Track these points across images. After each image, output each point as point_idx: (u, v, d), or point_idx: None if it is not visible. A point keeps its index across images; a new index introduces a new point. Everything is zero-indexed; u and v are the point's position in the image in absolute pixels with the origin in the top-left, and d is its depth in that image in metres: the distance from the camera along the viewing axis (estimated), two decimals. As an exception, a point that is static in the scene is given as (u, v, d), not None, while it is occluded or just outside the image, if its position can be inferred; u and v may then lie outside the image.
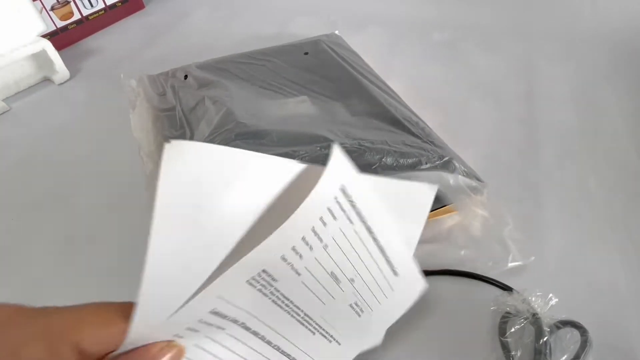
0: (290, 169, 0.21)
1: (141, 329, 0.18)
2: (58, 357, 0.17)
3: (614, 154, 0.53)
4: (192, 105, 0.51)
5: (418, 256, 0.39)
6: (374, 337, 0.30)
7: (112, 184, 0.51)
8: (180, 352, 0.20)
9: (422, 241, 0.40)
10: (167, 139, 0.27)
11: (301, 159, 0.42)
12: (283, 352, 0.25)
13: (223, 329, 0.22)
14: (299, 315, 0.24)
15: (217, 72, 0.58)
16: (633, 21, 0.79)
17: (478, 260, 0.39)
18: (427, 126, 0.49)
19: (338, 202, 0.22)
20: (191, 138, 0.46)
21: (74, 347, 0.17)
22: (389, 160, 0.43)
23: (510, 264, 0.39)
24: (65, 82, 0.69)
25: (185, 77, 0.58)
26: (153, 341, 0.19)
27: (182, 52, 0.74)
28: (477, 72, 0.69)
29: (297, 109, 0.50)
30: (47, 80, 0.69)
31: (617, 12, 0.81)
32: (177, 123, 0.50)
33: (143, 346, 0.19)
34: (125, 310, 0.18)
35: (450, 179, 0.41)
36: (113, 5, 0.83)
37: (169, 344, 0.20)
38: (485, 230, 0.41)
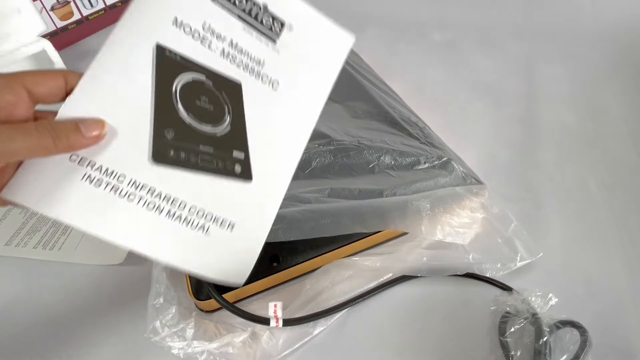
0: None
1: (81, 96, 0.25)
2: (13, 92, 0.23)
3: (614, 154, 0.53)
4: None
5: (425, 263, 0.39)
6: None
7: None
8: (102, 135, 0.25)
9: (429, 247, 0.40)
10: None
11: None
12: None
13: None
14: None
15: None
16: (633, 21, 0.79)
17: (486, 263, 0.39)
18: (427, 126, 0.49)
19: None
20: None
21: (24, 87, 0.24)
22: (387, 158, 0.43)
23: (520, 263, 0.39)
24: (65, 82, 0.69)
25: None
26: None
27: (182, 52, 0.74)
28: (477, 72, 0.68)
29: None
30: (47, 80, 0.69)
31: (617, 12, 0.81)
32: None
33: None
34: (70, 76, 0.25)
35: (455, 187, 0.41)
36: (113, 5, 0.83)
37: (100, 120, 0.25)
38: (490, 232, 0.41)
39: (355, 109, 0.51)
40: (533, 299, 0.35)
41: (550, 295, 0.35)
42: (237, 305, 0.35)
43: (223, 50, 0.30)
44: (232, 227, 0.29)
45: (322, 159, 0.42)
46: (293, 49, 0.32)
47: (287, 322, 0.35)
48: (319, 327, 0.36)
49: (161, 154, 0.27)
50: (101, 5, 0.81)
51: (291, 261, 0.38)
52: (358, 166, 0.43)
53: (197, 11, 0.29)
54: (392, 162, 0.43)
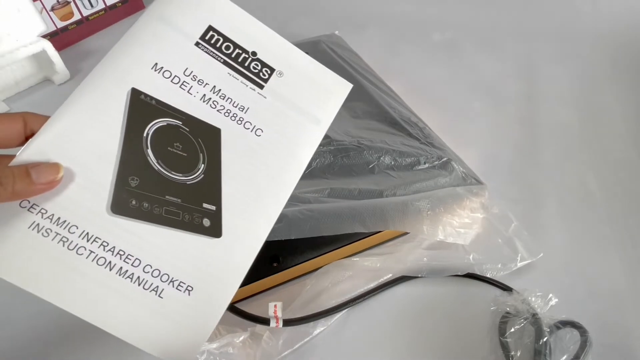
0: None
1: (43, 139, 0.24)
2: None
3: (614, 154, 0.53)
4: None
5: (426, 263, 0.39)
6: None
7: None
8: (56, 181, 0.23)
9: (429, 247, 0.40)
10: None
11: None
12: None
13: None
14: None
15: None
16: (633, 21, 0.79)
17: (486, 263, 0.39)
18: (427, 126, 0.49)
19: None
20: None
21: None
22: (387, 159, 0.43)
23: (520, 263, 0.39)
24: (65, 82, 0.69)
25: None
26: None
27: (182, 52, 0.74)
28: (477, 72, 0.68)
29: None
30: (47, 80, 0.69)
31: (617, 12, 0.81)
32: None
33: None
34: (30, 119, 0.25)
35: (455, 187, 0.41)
36: (113, 6, 0.83)
37: (55, 165, 0.24)
38: (490, 232, 0.41)
39: (355, 109, 0.51)
40: (533, 299, 0.35)
41: (551, 295, 0.35)
42: (237, 305, 0.35)
43: (204, 95, 0.28)
44: (190, 291, 0.25)
45: (322, 159, 0.42)
46: (282, 95, 0.30)
47: (287, 322, 0.35)
48: (319, 327, 0.36)
49: (121, 204, 0.25)
50: (101, 6, 0.81)
51: (291, 261, 0.38)
52: (358, 166, 0.43)
53: (179, 56, 0.28)
54: (392, 163, 0.43)
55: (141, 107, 0.27)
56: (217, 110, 0.29)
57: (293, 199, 0.36)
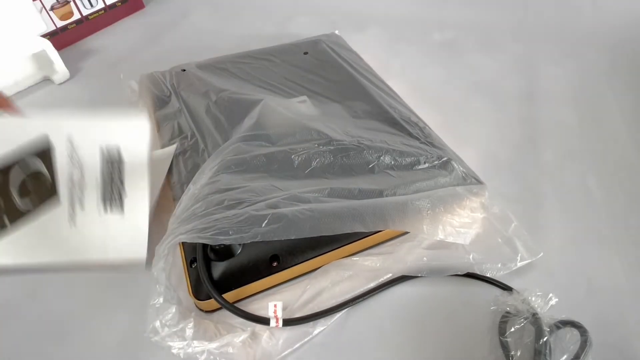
0: None
1: None
2: None
3: (614, 154, 0.53)
4: (197, 108, 0.51)
5: (425, 263, 0.39)
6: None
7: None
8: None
9: (429, 247, 0.40)
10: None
11: (299, 156, 0.42)
12: None
13: None
14: None
15: (217, 71, 0.58)
16: (633, 21, 0.79)
17: (486, 263, 0.39)
18: (427, 126, 0.49)
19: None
20: (205, 147, 0.46)
21: None
22: (387, 159, 0.43)
23: (520, 263, 0.39)
24: (65, 82, 0.69)
25: (183, 70, 0.58)
26: None
27: (182, 52, 0.74)
28: (477, 72, 0.68)
29: (296, 109, 0.50)
30: (47, 80, 0.69)
31: (617, 12, 0.81)
32: (184, 129, 0.50)
33: None
34: None
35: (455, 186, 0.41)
36: (113, 5, 0.83)
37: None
38: (490, 232, 0.41)
39: (355, 109, 0.51)
40: (533, 299, 0.35)
41: (551, 295, 0.35)
42: (237, 305, 0.35)
43: None
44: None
45: (322, 159, 0.42)
46: None
47: (287, 322, 0.35)
48: (319, 327, 0.36)
49: None
50: (101, 5, 0.81)
51: (291, 261, 0.38)
52: (358, 166, 0.43)
53: None
54: (392, 162, 0.43)
55: None
56: None
57: (293, 199, 0.36)
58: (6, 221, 0.37)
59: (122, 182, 0.39)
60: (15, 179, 0.37)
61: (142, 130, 0.39)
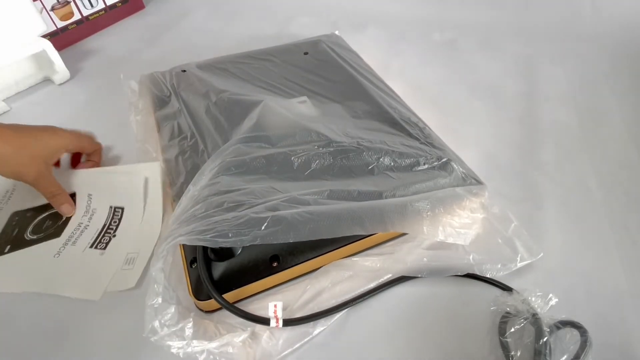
0: None
1: None
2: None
3: (614, 154, 0.53)
4: (197, 109, 0.51)
5: (426, 263, 0.39)
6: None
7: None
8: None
9: (429, 247, 0.40)
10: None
11: (299, 158, 0.42)
12: None
13: None
14: None
15: (217, 72, 0.58)
16: (633, 21, 0.79)
17: (487, 263, 0.39)
18: (427, 126, 0.49)
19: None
20: (205, 148, 0.47)
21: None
22: (386, 160, 0.43)
23: (520, 263, 0.39)
24: (65, 82, 0.69)
25: (183, 70, 0.58)
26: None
27: (182, 52, 0.74)
28: (477, 72, 0.68)
29: (297, 109, 0.50)
30: (47, 80, 0.69)
31: (617, 12, 0.81)
32: (184, 129, 0.50)
33: None
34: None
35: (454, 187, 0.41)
36: (113, 5, 0.83)
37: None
38: (490, 233, 0.41)
39: (355, 109, 0.51)
40: (533, 299, 0.35)
41: (551, 295, 0.35)
42: (237, 305, 0.35)
43: None
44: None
45: (322, 161, 0.42)
46: None
47: (287, 322, 0.35)
48: (319, 327, 0.36)
49: None
50: (101, 6, 0.81)
51: (291, 261, 0.38)
52: (357, 168, 0.43)
53: None
54: (392, 164, 0.43)
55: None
56: None
57: (292, 201, 0.36)
58: (6, 249, 0.42)
59: (115, 229, 0.43)
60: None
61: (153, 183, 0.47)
